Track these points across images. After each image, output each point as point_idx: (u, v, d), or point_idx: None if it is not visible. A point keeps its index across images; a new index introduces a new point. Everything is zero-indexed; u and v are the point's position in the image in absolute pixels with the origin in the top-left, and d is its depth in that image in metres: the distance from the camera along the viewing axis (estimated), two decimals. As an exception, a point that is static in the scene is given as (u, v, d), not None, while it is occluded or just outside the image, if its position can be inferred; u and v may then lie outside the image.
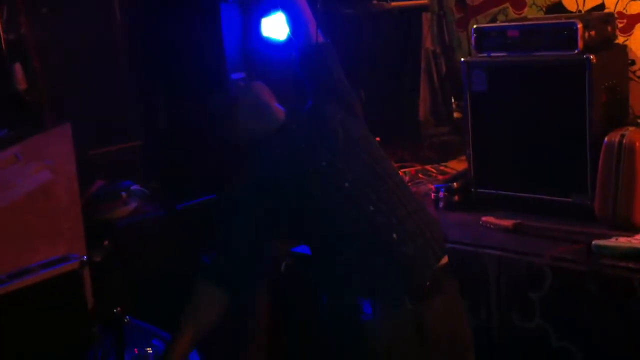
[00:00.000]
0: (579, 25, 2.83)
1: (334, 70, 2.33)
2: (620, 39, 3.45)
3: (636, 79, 3.40)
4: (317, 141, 2.12)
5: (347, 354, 2.05)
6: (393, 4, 3.84)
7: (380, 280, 1.97)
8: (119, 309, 1.64)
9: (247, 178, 2.14)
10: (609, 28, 3.16)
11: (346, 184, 2.02)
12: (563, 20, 2.96)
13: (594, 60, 2.79)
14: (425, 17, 4.20)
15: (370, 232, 1.98)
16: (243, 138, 2.23)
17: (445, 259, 2.09)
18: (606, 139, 2.73)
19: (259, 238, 2.10)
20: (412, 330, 1.97)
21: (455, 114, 3.98)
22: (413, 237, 2.00)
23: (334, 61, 2.34)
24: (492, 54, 3.06)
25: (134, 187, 3.19)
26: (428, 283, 1.98)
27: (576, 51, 2.83)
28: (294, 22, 2.32)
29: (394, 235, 1.97)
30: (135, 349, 2.25)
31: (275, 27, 3.29)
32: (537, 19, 3.45)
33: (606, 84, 2.91)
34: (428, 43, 4.22)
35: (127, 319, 1.66)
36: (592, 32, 2.89)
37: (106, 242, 2.29)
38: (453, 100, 4.04)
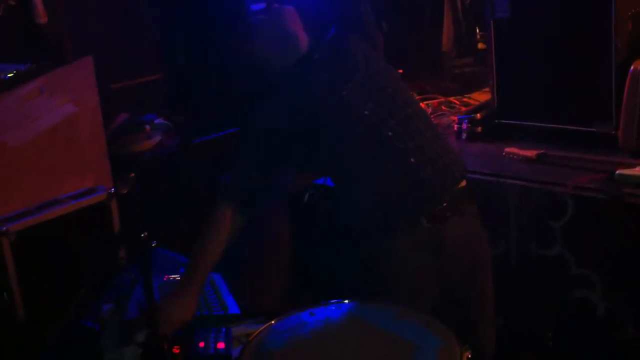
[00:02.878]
0: (605, -49, 2.75)
1: (361, 1, 2.31)
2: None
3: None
4: (338, 73, 2.12)
5: (367, 274, 2.10)
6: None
7: (397, 202, 2.01)
8: (145, 233, 1.68)
9: (267, 103, 2.15)
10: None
11: (365, 112, 2.04)
12: (588, -54, 2.88)
13: (613, -14, 2.72)
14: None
15: (389, 156, 2.01)
16: (265, 64, 2.22)
17: (463, 183, 2.11)
18: (632, 67, 2.68)
19: (276, 161, 2.13)
20: (430, 249, 2.02)
21: (480, 45, 3.93)
22: (431, 161, 2.03)
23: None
24: (517, -18, 3.00)
25: (158, 120, 3.21)
26: (445, 204, 2.02)
27: (603, -23, 2.76)
28: None
29: (412, 160, 2.01)
30: (165, 276, 2.32)
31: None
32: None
33: (632, 10, 2.84)
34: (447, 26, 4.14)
35: (154, 243, 1.69)
36: None
37: (132, 175, 2.32)
38: (477, 30, 3.98)
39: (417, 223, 2.00)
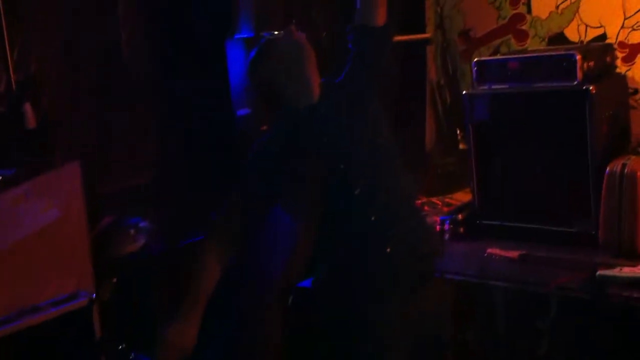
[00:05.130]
0: (578, 57, 2.87)
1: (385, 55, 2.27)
2: (622, 69, 3.48)
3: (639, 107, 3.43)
4: (339, 138, 2.11)
5: (340, 342, 2.13)
6: (397, 37, 3.89)
7: (367, 278, 2.07)
8: (124, 345, 1.66)
9: (266, 142, 2.18)
10: (608, 58, 3.20)
11: (357, 191, 2.05)
12: (562, 52, 3.00)
13: (594, 91, 2.82)
14: (430, 49, 4.26)
15: (366, 240, 2.06)
16: (278, 95, 2.15)
17: (432, 265, 2.18)
18: (608, 168, 2.75)
19: (258, 207, 2.15)
20: (398, 323, 2.06)
21: (461, 145, 4.01)
22: (407, 250, 2.09)
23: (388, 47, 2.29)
24: (494, 86, 3.10)
25: (142, 223, 3.22)
26: (414, 283, 2.09)
27: (576, 82, 2.87)
28: None
29: (388, 250, 2.05)
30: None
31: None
32: (537, 50, 3.49)
33: (607, 113, 2.94)
34: (432, 74, 4.27)
35: (132, 355, 1.68)
36: (591, 63, 2.93)
37: (114, 279, 2.32)
38: (458, 131, 4.07)
39: (387, 299, 2.06)
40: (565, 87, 2.90)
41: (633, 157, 2.82)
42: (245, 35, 3.44)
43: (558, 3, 3.72)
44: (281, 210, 2.20)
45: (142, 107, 3.41)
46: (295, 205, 2.17)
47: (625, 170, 2.70)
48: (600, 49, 3.23)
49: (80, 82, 3.26)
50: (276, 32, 2.26)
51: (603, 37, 3.57)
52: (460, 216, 3.19)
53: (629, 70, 3.48)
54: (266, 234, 2.42)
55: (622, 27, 3.51)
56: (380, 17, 2.14)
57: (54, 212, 2.69)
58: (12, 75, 3.03)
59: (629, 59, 3.50)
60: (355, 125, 2.13)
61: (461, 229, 3.18)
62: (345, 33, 2.25)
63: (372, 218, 2.05)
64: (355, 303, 2.09)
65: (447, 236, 3.19)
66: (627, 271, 2.51)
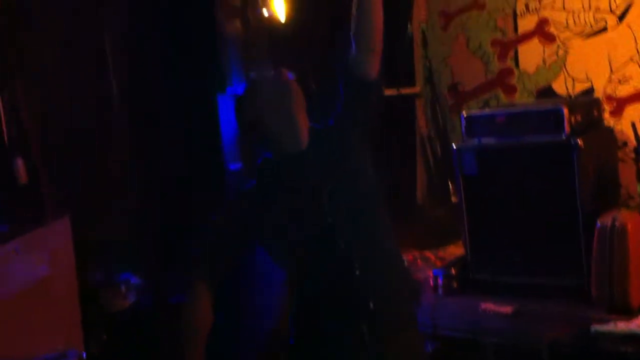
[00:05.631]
0: (565, 111, 2.91)
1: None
2: (610, 122, 3.52)
3: (629, 160, 3.46)
4: (327, 190, 2.05)
5: None
6: (387, 91, 3.94)
7: (347, 325, 2.04)
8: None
9: (243, 192, 2.16)
10: (595, 112, 3.24)
11: (342, 246, 2.01)
12: (549, 106, 3.04)
13: (581, 144, 2.85)
14: (419, 102, 4.31)
15: (343, 294, 2.03)
16: (266, 137, 2.11)
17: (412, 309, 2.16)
18: (598, 221, 2.75)
19: (232, 248, 2.13)
20: None
21: (453, 198, 4.02)
22: (388, 296, 2.05)
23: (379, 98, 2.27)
24: (482, 139, 3.13)
25: (133, 280, 3.20)
26: (394, 327, 2.05)
27: (563, 135, 2.90)
28: None
29: (371, 305, 2.01)
30: None
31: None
32: (525, 104, 3.54)
33: (595, 166, 2.96)
34: (422, 127, 4.31)
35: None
36: (578, 117, 2.96)
37: (104, 336, 2.29)
38: (450, 183, 4.09)
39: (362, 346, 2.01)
40: (553, 141, 2.93)
41: (623, 210, 2.84)
42: (237, 91, 3.48)
43: (545, 57, 3.79)
44: (264, 261, 2.20)
45: (133, 163, 3.42)
46: (277, 254, 2.16)
47: (616, 224, 2.70)
48: (587, 102, 3.28)
49: (71, 138, 3.28)
50: (265, 73, 2.24)
51: (590, 90, 3.62)
52: (453, 270, 3.19)
53: (617, 123, 3.52)
54: (255, 292, 2.40)
55: (609, 81, 3.57)
56: (375, 68, 2.13)
57: (43, 268, 2.68)
58: (4, 131, 3.04)
59: (616, 112, 3.54)
60: (344, 175, 2.11)
61: (455, 284, 3.17)
62: (334, 77, 2.23)
63: (357, 272, 2.03)
64: (334, 349, 2.05)
65: (440, 291, 3.17)
66: (622, 326, 2.49)
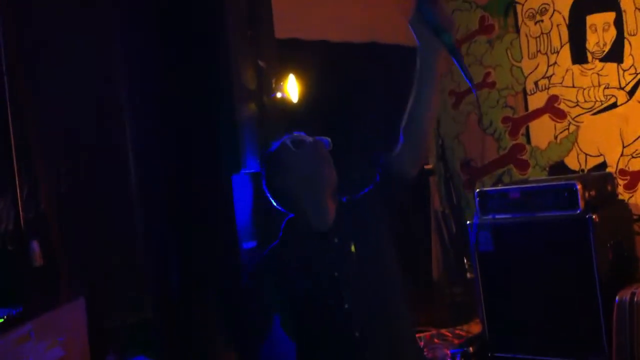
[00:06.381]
0: (579, 186, 2.91)
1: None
2: (625, 196, 3.52)
3: (645, 233, 3.44)
4: (349, 276, 1.99)
5: None
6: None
7: None
8: None
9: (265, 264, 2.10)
10: (609, 187, 3.24)
11: (356, 334, 1.98)
12: (563, 182, 3.05)
13: (597, 219, 2.84)
14: (432, 179, 4.33)
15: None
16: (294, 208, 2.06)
17: None
18: (617, 297, 2.72)
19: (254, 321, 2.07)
20: None
21: (469, 274, 3.99)
22: None
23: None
24: (497, 216, 3.13)
25: (146, 362, 3.16)
26: None
27: (578, 211, 2.89)
28: None
29: None
30: None
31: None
32: (538, 180, 3.55)
33: (611, 241, 2.95)
34: (437, 204, 4.32)
35: None
36: (592, 192, 2.96)
37: (116, 421, 2.25)
38: (465, 259, 4.06)
39: None
40: (568, 217, 2.93)
41: (642, 284, 2.80)
42: (251, 170, 3.52)
43: (556, 133, 3.82)
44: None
45: (147, 246, 3.44)
46: (292, 329, 2.12)
47: (635, 299, 2.67)
48: (600, 177, 3.29)
49: (88, 220, 3.30)
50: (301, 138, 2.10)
51: (603, 165, 3.63)
52: (471, 349, 3.13)
53: (631, 197, 3.52)
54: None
55: (622, 155, 3.59)
56: (418, 168, 2.09)
57: (57, 350, 2.66)
58: (21, 214, 3.08)
59: (630, 186, 3.54)
60: (367, 258, 2.04)
61: (472, 362, 3.12)
62: (372, 161, 2.15)
63: (356, 334, 1.99)
64: None
65: (458, 370, 3.12)
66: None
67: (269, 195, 2.12)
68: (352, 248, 2.04)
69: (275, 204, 2.11)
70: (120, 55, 3.24)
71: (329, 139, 2.08)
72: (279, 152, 2.08)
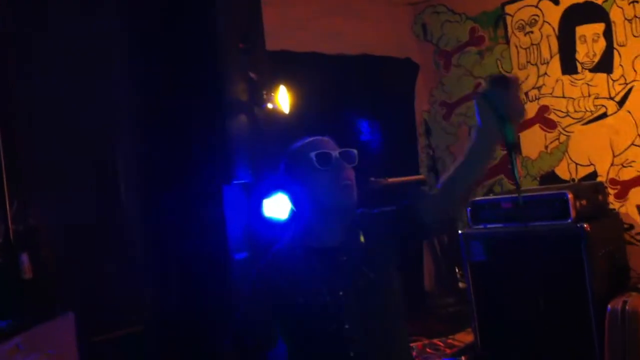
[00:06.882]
0: (570, 196, 2.92)
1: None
2: (615, 205, 3.53)
3: (636, 243, 3.44)
4: (346, 296, 1.94)
5: None
6: (390, 180, 3.96)
7: None
8: None
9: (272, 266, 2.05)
10: (600, 196, 3.25)
11: (351, 354, 1.94)
12: (554, 192, 3.05)
13: (588, 229, 2.85)
14: (424, 189, 4.33)
15: None
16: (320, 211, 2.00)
17: None
18: (609, 306, 2.73)
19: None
20: None
21: (461, 284, 3.98)
22: None
23: None
24: (488, 226, 3.13)
25: (137, 374, 3.14)
26: None
27: (569, 220, 2.90)
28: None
29: None
30: None
31: (276, 207, 3.39)
32: (529, 190, 3.56)
33: (603, 250, 2.95)
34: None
35: None
36: (584, 202, 2.97)
37: None
38: (457, 269, 4.06)
39: None
40: (559, 226, 2.93)
41: (634, 294, 2.80)
42: (242, 181, 3.51)
43: (547, 143, 3.83)
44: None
45: (138, 256, 3.42)
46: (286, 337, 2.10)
47: (627, 308, 2.67)
48: (591, 187, 3.30)
49: (77, 233, 3.29)
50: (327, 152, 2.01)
51: (594, 174, 3.65)
52: (463, 358, 3.12)
53: (622, 206, 3.53)
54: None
55: (612, 164, 3.60)
56: (439, 223, 2.05)
57: (47, 364, 2.64)
58: (10, 226, 3.06)
59: (621, 196, 3.56)
60: (374, 280, 1.96)
61: (465, 372, 3.11)
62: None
63: (351, 354, 1.96)
64: None
65: (451, 380, 3.11)
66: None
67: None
68: (361, 267, 1.97)
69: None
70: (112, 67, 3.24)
71: (356, 152, 1.99)
72: (300, 160, 2.00)
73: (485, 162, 1.92)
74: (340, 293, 1.95)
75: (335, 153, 1.97)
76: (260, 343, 2.10)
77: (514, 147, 1.73)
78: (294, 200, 2.08)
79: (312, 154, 1.95)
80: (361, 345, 1.95)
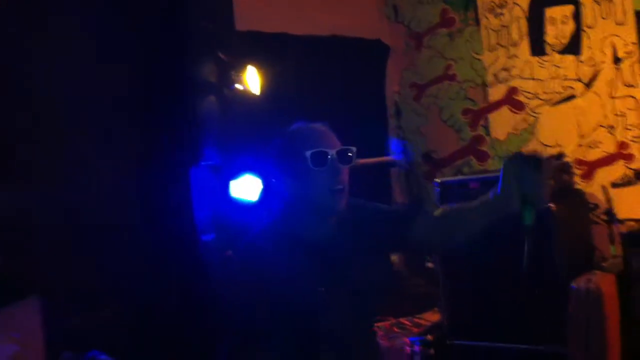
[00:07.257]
0: (536, 176, 2.93)
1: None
2: (582, 185, 3.57)
3: (601, 222, 3.48)
4: (328, 293, 1.87)
5: None
6: (361, 161, 3.96)
7: None
8: None
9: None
10: (566, 176, 3.27)
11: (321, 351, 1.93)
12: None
13: (554, 208, 2.87)
14: (393, 170, 4.35)
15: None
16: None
17: None
18: (573, 284, 2.76)
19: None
20: None
21: (429, 264, 4.01)
22: None
23: None
24: (457, 206, 3.14)
25: (102, 357, 3.12)
26: None
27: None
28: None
29: None
30: None
31: (244, 188, 3.38)
32: (497, 170, 3.56)
33: (569, 229, 2.98)
34: (397, 195, 4.33)
35: None
36: (550, 182, 2.99)
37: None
38: (426, 249, 4.08)
39: None
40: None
41: (598, 272, 2.84)
42: (210, 162, 3.49)
43: (515, 124, 3.86)
44: None
45: (107, 239, 3.39)
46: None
47: (590, 286, 2.71)
48: (557, 167, 3.32)
49: (48, 218, 3.25)
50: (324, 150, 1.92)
51: (561, 155, 3.67)
52: (430, 337, 3.15)
53: (587, 186, 3.57)
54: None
55: (579, 145, 3.63)
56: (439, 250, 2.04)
57: (12, 347, 2.62)
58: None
59: (587, 176, 3.59)
60: (359, 278, 1.90)
61: (432, 351, 3.13)
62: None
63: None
64: None
65: (417, 359, 3.13)
66: (600, 391, 2.46)
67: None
68: (347, 265, 1.91)
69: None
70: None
71: (354, 150, 1.91)
72: (293, 154, 1.90)
73: (491, 219, 1.92)
74: (322, 289, 1.87)
75: (332, 152, 1.87)
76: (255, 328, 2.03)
77: (529, 232, 1.71)
78: (280, 190, 1.96)
79: (308, 153, 1.85)
80: (333, 343, 1.90)
